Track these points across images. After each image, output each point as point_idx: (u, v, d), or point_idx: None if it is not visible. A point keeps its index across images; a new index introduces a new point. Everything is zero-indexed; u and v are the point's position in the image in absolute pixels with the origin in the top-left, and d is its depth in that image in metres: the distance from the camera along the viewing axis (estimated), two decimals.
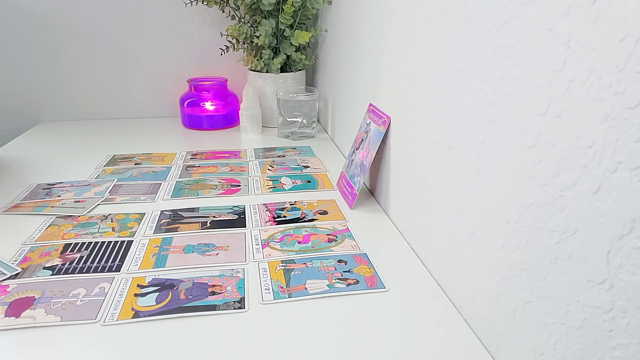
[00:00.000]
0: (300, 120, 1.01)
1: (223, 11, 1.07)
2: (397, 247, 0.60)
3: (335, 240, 0.61)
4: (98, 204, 0.70)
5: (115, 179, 0.79)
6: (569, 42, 0.31)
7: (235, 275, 0.53)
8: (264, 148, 0.97)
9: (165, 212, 0.68)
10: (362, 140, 0.71)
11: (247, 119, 1.05)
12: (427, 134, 0.53)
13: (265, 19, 1.02)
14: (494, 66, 0.40)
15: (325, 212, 0.68)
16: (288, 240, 0.60)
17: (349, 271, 0.54)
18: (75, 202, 0.70)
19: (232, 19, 1.08)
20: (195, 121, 1.11)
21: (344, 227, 0.64)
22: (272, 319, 0.46)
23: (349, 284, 0.51)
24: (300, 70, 1.10)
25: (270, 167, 0.86)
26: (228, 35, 1.04)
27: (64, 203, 0.70)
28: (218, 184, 0.78)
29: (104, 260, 0.55)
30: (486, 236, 0.42)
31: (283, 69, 1.08)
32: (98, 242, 0.60)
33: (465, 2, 0.44)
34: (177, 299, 0.49)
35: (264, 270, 0.54)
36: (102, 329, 0.45)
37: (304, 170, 0.85)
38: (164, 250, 0.58)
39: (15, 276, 0.52)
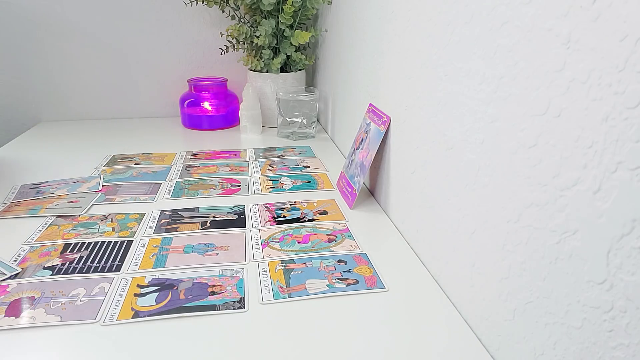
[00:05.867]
0: (300, 120, 1.01)
1: (223, 11, 1.07)
2: (397, 247, 0.60)
3: (335, 240, 0.61)
4: (93, 204, 0.70)
5: (102, 176, 0.80)
6: (569, 42, 0.31)
7: (235, 275, 0.53)
8: (264, 148, 0.97)
9: (165, 212, 0.68)
10: (362, 140, 0.71)
11: (247, 119, 1.05)
12: (427, 134, 0.53)
13: (265, 19, 1.02)
14: (494, 66, 0.39)
15: (325, 212, 0.68)
16: (288, 240, 0.60)
17: (348, 271, 0.54)
18: (69, 202, 0.70)
19: (232, 19, 1.08)
20: (195, 121, 1.11)
21: (344, 227, 0.64)
22: (272, 319, 0.46)
23: (348, 284, 0.51)
24: (300, 70, 1.10)
25: (270, 167, 0.86)
26: (228, 35, 1.04)
27: (57, 205, 0.69)
28: (218, 184, 0.78)
29: (103, 260, 0.55)
30: (486, 236, 0.42)
31: (283, 69, 1.08)
32: (98, 242, 0.60)
33: (465, 2, 0.44)
34: (177, 299, 0.49)
35: (263, 270, 0.54)
36: (102, 329, 0.45)
37: (304, 170, 0.85)
38: (164, 250, 0.58)
39: (15, 276, 0.52)
